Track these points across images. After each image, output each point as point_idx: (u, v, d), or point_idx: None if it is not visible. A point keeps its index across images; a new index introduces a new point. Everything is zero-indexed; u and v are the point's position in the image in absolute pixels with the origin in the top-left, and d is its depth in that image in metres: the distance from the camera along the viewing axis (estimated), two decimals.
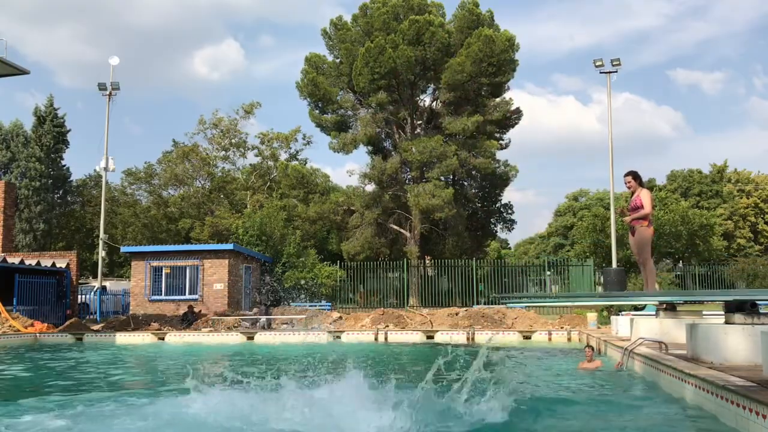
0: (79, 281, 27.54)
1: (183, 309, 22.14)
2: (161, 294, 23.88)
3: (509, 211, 39.51)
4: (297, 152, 44.57)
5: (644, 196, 9.93)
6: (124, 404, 7.20)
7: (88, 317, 25.80)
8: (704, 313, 11.50)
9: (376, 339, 17.68)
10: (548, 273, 30.51)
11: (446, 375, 6.30)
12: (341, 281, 29.08)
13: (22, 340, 18.07)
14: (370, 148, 35.84)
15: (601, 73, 26.52)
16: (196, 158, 43.33)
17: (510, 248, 65.65)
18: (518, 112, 36.35)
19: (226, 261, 23.64)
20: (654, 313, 10.32)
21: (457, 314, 19.87)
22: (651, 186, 46.11)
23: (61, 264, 24.97)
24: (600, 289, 24.69)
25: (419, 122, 35.05)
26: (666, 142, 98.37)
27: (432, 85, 34.84)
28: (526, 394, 7.08)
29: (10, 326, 19.18)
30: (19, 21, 79.47)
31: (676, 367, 6.70)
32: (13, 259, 23.39)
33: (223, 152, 44.68)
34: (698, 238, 34.46)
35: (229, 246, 24.18)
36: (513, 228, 39.88)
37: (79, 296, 27.39)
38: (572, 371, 10.06)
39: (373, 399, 5.62)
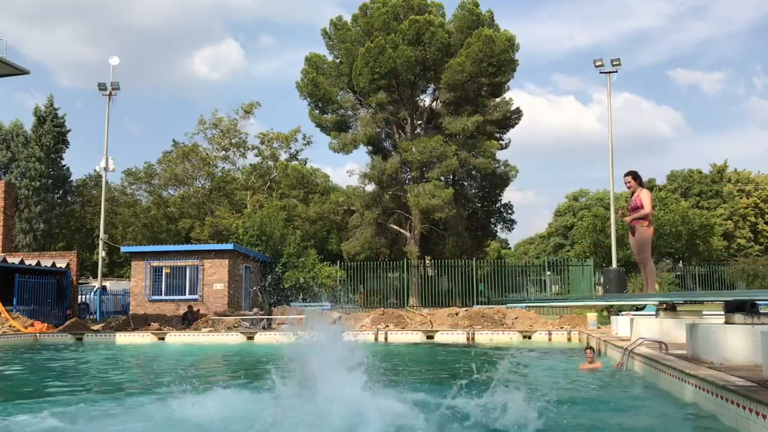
0: (79, 281, 27.54)
1: (183, 309, 22.15)
2: (161, 294, 23.88)
3: (509, 211, 39.52)
4: (297, 152, 44.56)
5: (644, 196, 9.94)
6: (124, 404, 7.21)
7: (88, 317, 25.83)
8: (704, 313, 11.49)
9: (376, 339, 17.68)
10: (548, 273, 30.50)
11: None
12: (341, 281, 29.05)
13: (22, 340, 18.08)
14: (370, 148, 35.82)
15: (601, 73, 26.57)
16: (196, 158, 43.28)
17: (510, 248, 65.66)
18: (518, 112, 36.34)
19: (226, 261, 23.64)
20: (654, 313, 10.32)
21: (457, 314, 19.89)
22: (651, 186, 46.12)
23: (61, 264, 24.98)
24: (600, 289, 24.70)
25: (419, 122, 35.03)
26: (666, 142, 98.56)
27: (432, 85, 34.82)
28: (528, 395, 7.07)
29: (10, 326, 19.19)
30: (19, 21, 79.56)
31: (676, 367, 6.70)
32: (13, 259, 23.40)
33: (223, 152, 44.65)
34: (698, 238, 34.50)
35: (229, 246, 24.17)
36: (513, 228, 39.92)
37: (79, 296, 27.40)
38: (572, 371, 10.06)
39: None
